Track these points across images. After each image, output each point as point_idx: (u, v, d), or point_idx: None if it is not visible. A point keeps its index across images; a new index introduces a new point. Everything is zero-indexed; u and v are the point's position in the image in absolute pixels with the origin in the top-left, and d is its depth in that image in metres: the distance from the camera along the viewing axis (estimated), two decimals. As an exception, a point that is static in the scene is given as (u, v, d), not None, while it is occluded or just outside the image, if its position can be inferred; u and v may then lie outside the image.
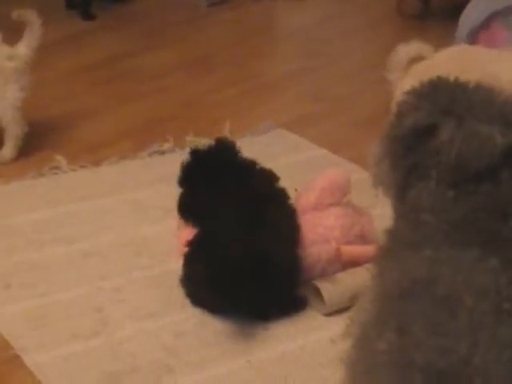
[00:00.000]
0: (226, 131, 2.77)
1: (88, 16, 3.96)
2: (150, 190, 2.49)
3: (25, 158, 2.70)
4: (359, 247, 2.05)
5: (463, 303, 1.15)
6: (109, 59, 3.50)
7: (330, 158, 2.65)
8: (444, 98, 1.34)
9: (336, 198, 2.09)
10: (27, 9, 2.64)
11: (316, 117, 2.97)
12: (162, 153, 2.72)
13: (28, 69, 2.67)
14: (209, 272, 1.89)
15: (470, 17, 2.93)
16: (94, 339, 1.90)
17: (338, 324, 1.77)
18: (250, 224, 1.92)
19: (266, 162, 2.12)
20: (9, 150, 2.69)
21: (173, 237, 2.20)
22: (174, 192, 2.12)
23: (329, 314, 1.96)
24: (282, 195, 2.06)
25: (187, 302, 2.01)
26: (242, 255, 1.86)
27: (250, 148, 2.21)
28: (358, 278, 1.91)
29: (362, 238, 2.07)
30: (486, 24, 2.88)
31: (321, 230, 2.03)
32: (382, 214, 1.62)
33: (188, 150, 2.08)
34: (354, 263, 2.01)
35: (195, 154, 2.04)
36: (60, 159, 2.66)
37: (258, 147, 2.57)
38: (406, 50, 2.47)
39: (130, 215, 2.38)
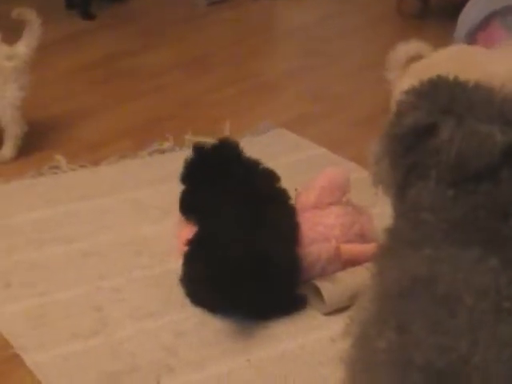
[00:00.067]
0: (226, 131, 2.77)
1: (88, 16, 3.96)
2: (150, 190, 2.49)
3: (24, 158, 2.69)
4: (359, 246, 2.05)
5: (463, 302, 1.15)
6: (108, 58, 3.49)
7: (329, 157, 2.65)
8: (444, 97, 1.34)
9: (336, 196, 2.09)
10: (27, 8, 2.63)
11: (316, 116, 2.96)
12: (162, 152, 2.71)
13: (27, 68, 2.66)
14: (209, 272, 1.89)
15: (468, 16, 2.93)
16: (93, 339, 1.90)
17: (338, 323, 1.77)
18: (250, 224, 1.92)
19: (266, 161, 2.12)
20: (8, 150, 2.69)
21: (173, 236, 2.20)
22: (174, 191, 2.12)
23: (329, 313, 1.96)
24: (283, 195, 2.06)
25: (187, 301, 2.00)
26: (242, 255, 1.86)
27: (250, 148, 2.21)
28: (358, 277, 1.92)
29: (362, 237, 2.07)
30: (485, 24, 2.88)
31: (321, 229, 2.03)
32: (381, 212, 1.62)
33: (189, 148, 2.07)
34: (353, 262, 2.02)
35: (199, 151, 2.03)
36: (59, 158, 2.66)
37: (258, 147, 2.57)
38: (405, 48, 2.47)
39: (130, 214, 2.37)
